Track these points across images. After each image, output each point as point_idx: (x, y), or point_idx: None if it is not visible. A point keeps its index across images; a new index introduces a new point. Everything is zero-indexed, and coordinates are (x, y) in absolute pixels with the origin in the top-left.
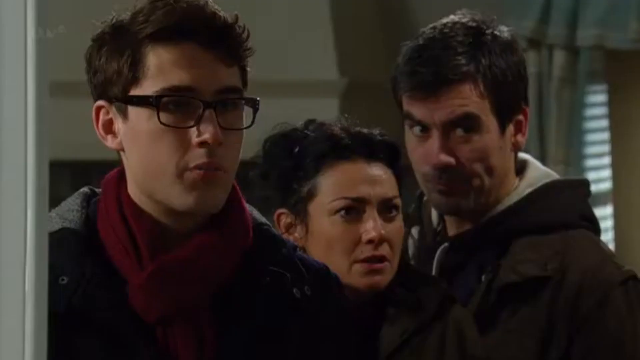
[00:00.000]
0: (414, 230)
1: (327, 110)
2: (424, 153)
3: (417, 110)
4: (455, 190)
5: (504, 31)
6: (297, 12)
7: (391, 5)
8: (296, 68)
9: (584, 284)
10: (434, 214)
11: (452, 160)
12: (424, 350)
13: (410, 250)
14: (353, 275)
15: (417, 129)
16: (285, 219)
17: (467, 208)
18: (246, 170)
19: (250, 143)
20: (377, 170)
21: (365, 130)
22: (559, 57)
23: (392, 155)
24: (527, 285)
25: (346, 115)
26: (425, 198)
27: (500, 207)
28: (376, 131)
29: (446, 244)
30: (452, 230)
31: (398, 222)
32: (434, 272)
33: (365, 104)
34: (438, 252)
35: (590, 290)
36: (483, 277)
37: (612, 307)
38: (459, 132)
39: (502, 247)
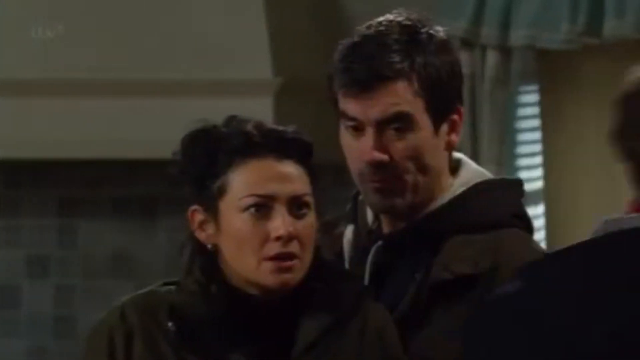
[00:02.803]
0: (349, 229)
1: (261, 110)
2: (358, 150)
3: (351, 107)
4: (389, 188)
5: (439, 31)
6: (232, 11)
7: (326, 4)
8: (230, 67)
9: None
10: (369, 213)
11: (385, 157)
12: (341, 345)
13: (346, 249)
14: (262, 273)
15: (351, 126)
16: (198, 216)
17: (401, 206)
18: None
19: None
20: (288, 168)
21: (278, 128)
22: (492, 57)
23: (304, 153)
24: (459, 283)
25: (281, 114)
26: (360, 197)
27: (434, 205)
28: (290, 129)
29: (380, 243)
30: (387, 229)
31: (309, 220)
32: (368, 271)
33: (300, 102)
34: (372, 251)
35: None
36: (416, 275)
37: None
38: (393, 129)
39: (436, 246)
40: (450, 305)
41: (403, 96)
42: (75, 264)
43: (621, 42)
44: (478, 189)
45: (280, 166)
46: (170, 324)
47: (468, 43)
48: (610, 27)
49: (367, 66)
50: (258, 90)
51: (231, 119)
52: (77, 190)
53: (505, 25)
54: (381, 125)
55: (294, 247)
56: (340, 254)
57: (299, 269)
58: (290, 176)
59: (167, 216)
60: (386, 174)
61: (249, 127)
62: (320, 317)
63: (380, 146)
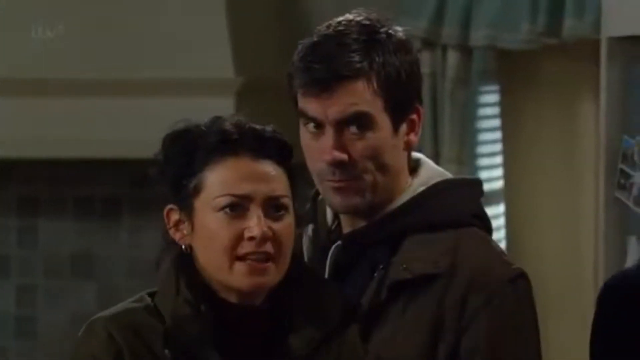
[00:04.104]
0: (309, 229)
1: (223, 109)
2: (318, 149)
3: (310, 106)
4: (348, 188)
5: (398, 30)
6: (193, 10)
7: (287, 4)
8: (192, 67)
9: (474, 281)
10: (329, 212)
11: (345, 156)
12: None
13: (305, 249)
14: (235, 275)
15: (311, 125)
16: (173, 216)
17: (361, 206)
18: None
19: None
20: (265, 168)
21: (257, 127)
22: (452, 57)
23: (282, 153)
24: (417, 283)
25: (243, 112)
26: (320, 197)
27: (393, 205)
28: (269, 128)
29: (339, 242)
30: (346, 228)
31: (286, 221)
32: (327, 270)
33: (261, 102)
34: (332, 250)
35: (479, 288)
36: (375, 275)
37: (501, 305)
38: (352, 129)
39: (395, 245)
40: (409, 304)
41: (362, 96)
42: (37, 264)
43: (580, 42)
44: (437, 189)
45: (258, 166)
46: (166, 351)
47: (429, 43)
48: (569, 27)
49: (326, 66)
50: (219, 90)
51: (215, 118)
52: (38, 189)
53: (465, 25)
54: (340, 125)
55: (268, 248)
56: (300, 253)
57: (274, 272)
58: (268, 176)
59: (130, 216)
60: (345, 174)
61: (227, 125)
62: (307, 332)
63: (340, 146)
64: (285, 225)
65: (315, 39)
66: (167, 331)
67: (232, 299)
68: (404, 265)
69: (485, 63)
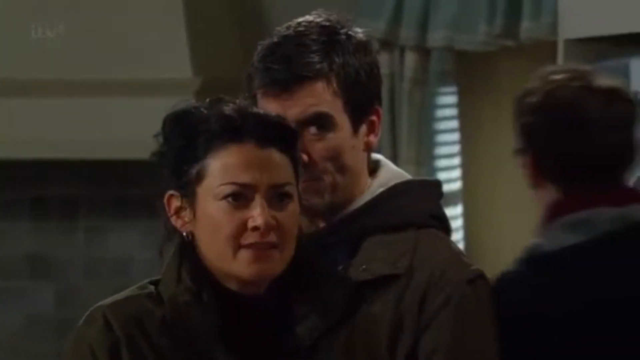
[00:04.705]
0: None
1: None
2: None
3: (270, 107)
4: (308, 189)
5: (358, 32)
6: (151, 10)
7: (245, 4)
8: (150, 67)
9: (432, 282)
10: None
11: (304, 157)
12: (333, 350)
13: None
14: (239, 263)
15: None
16: (174, 202)
17: (320, 207)
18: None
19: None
20: (269, 155)
21: (261, 112)
22: (411, 58)
23: (287, 140)
24: (377, 283)
25: None
26: None
27: (353, 206)
28: (274, 114)
29: None
30: (306, 229)
31: (290, 210)
32: None
33: None
34: None
35: (438, 289)
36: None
37: (459, 306)
38: (312, 130)
39: (354, 246)
40: (368, 304)
41: (322, 97)
42: None
43: (537, 44)
44: (396, 190)
45: (262, 153)
46: (163, 339)
47: (387, 44)
48: (527, 28)
49: (286, 66)
50: (178, 90)
51: (216, 100)
52: None
53: (423, 27)
54: (300, 126)
55: (272, 237)
56: (303, 242)
57: (279, 260)
58: (272, 164)
59: (87, 217)
60: (305, 175)
61: (230, 110)
62: (311, 323)
63: (300, 146)
64: (290, 214)
65: (275, 39)
66: (164, 319)
67: (235, 287)
68: (364, 267)
69: (443, 64)
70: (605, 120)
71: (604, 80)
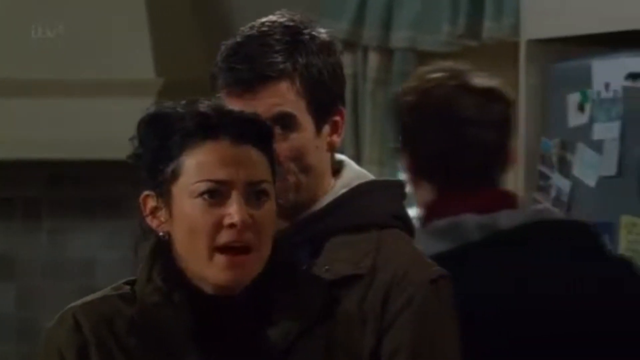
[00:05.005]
0: None
1: (144, 110)
2: None
3: (234, 107)
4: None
5: (321, 32)
6: (113, 10)
7: (208, 5)
8: (112, 67)
9: (395, 282)
10: None
11: None
12: (310, 352)
13: None
14: (214, 267)
15: None
16: (150, 202)
17: (283, 207)
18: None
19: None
20: (245, 152)
21: (236, 110)
22: (373, 59)
23: (263, 137)
24: (340, 284)
25: None
26: None
27: (316, 206)
28: (249, 111)
29: None
30: None
31: (267, 208)
32: None
33: None
34: None
35: (401, 289)
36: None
37: (422, 306)
38: (276, 130)
39: (317, 246)
40: (339, 304)
41: (285, 96)
42: None
43: (499, 44)
44: (359, 190)
45: (238, 150)
46: (132, 339)
47: (350, 44)
48: (489, 29)
49: (250, 66)
50: (140, 90)
51: (191, 101)
52: None
53: (386, 27)
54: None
55: (248, 236)
56: (280, 242)
57: (254, 264)
58: (248, 161)
59: (50, 218)
60: None
61: (205, 108)
62: (287, 324)
63: None
64: (266, 212)
65: (238, 39)
66: (133, 319)
67: (210, 289)
68: (327, 267)
69: (406, 65)
70: (480, 119)
71: (480, 80)
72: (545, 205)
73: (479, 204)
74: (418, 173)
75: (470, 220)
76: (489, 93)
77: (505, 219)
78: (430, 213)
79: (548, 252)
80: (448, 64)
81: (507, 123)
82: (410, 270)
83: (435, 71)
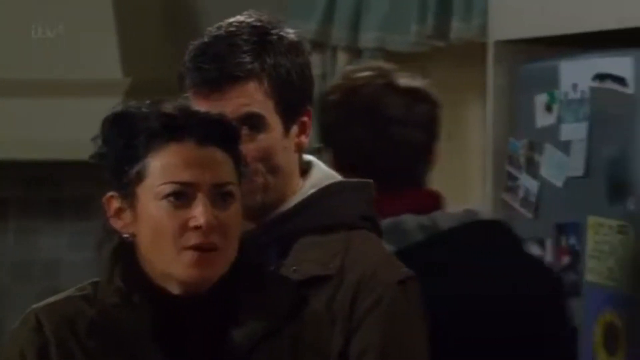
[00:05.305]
0: None
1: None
2: None
3: (202, 107)
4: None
5: (289, 32)
6: (80, 10)
7: (176, 5)
8: (79, 67)
9: (363, 282)
10: None
11: None
12: (274, 353)
13: None
14: (180, 265)
15: None
16: (114, 203)
17: (251, 207)
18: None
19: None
20: (211, 154)
21: (202, 111)
22: (342, 59)
23: (229, 138)
24: (308, 284)
25: None
26: None
27: (284, 207)
28: (215, 112)
29: None
30: None
31: (233, 210)
32: None
33: None
34: None
35: (369, 289)
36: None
37: (390, 306)
38: (244, 130)
39: (286, 247)
40: (307, 304)
41: (253, 97)
42: None
43: (468, 45)
44: (328, 191)
45: (203, 152)
46: (92, 340)
47: (318, 44)
48: (457, 30)
49: (217, 66)
50: (107, 90)
51: (156, 101)
52: None
53: (355, 27)
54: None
55: (214, 238)
56: (247, 244)
57: (221, 263)
58: (213, 163)
59: (17, 218)
60: None
61: (170, 109)
62: (253, 324)
63: None
64: (232, 213)
65: (206, 39)
66: (92, 321)
67: (175, 289)
68: (295, 268)
69: None
70: (406, 119)
71: (406, 80)
72: (472, 205)
73: (407, 204)
74: (344, 172)
75: (411, 220)
76: (415, 93)
77: (443, 220)
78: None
79: (487, 252)
80: (376, 63)
81: (434, 123)
82: (379, 271)
83: (362, 70)
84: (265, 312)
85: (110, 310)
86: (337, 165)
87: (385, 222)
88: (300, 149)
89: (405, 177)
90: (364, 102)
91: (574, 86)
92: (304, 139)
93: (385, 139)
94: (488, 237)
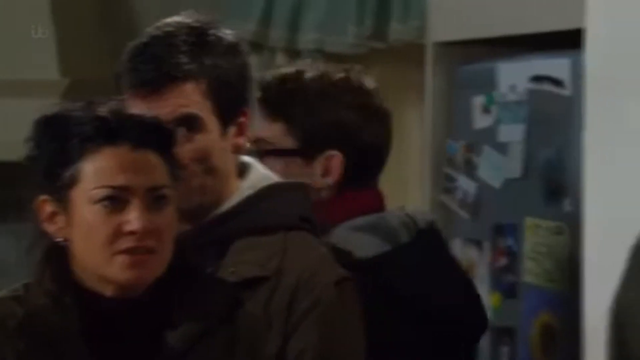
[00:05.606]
0: None
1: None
2: None
3: (139, 108)
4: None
5: (228, 33)
6: (16, 9)
7: (114, 5)
8: (16, 68)
9: (300, 284)
10: None
11: None
12: (211, 354)
13: None
14: (115, 268)
15: None
16: (47, 207)
17: (188, 209)
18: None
19: None
20: (145, 157)
21: (137, 114)
22: (281, 60)
23: (164, 142)
24: (245, 286)
25: None
26: None
27: (221, 208)
28: (150, 115)
29: None
30: None
31: (168, 213)
32: None
33: None
34: None
35: (307, 291)
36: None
37: (327, 308)
38: (181, 131)
39: (224, 249)
40: (243, 306)
41: (191, 98)
42: None
43: (406, 47)
44: (265, 192)
45: (137, 155)
46: (21, 341)
47: (257, 45)
48: (395, 31)
49: (155, 67)
50: (44, 91)
51: (89, 103)
52: None
53: (293, 28)
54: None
55: (149, 242)
56: (183, 246)
57: (156, 266)
58: (148, 166)
59: None
60: None
61: (105, 112)
62: (187, 327)
63: None
64: (167, 217)
65: (144, 40)
66: (20, 321)
67: (109, 292)
68: (232, 269)
69: None
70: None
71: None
72: (411, 207)
73: (368, 203)
74: (357, 174)
75: (395, 218)
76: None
77: (421, 218)
78: (328, 210)
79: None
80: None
81: (390, 124)
82: (317, 273)
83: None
84: (200, 314)
85: (39, 312)
86: (351, 166)
87: (370, 218)
88: (237, 150)
89: (372, 178)
90: (378, 102)
91: (512, 88)
92: (241, 140)
93: (390, 136)
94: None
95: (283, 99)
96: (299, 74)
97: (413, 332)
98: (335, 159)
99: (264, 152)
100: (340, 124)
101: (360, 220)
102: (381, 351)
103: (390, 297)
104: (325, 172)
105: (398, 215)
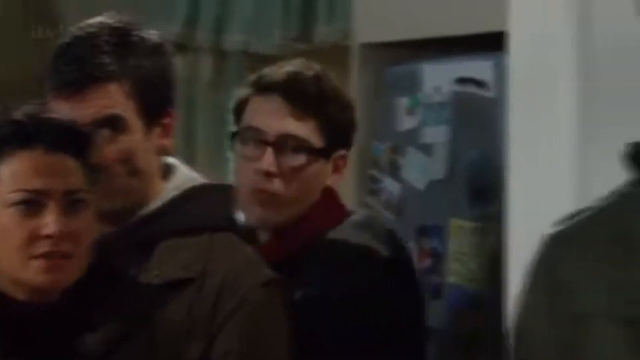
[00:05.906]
0: None
1: None
2: None
3: (62, 109)
4: (98, 192)
5: (152, 34)
6: None
7: (37, 5)
8: None
9: (226, 285)
10: None
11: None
12: (130, 357)
13: None
14: (30, 272)
15: None
16: None
17: (111, 210)
18: None
19: None
20: (61, 161)
21: (52, 117)
22: (206, 62)
23: (80, 145)
24: (170, 287)
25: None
26: None
27: (146, 210)
28: (65, 119)
29: None
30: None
31: (85, 217)
32: None
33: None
34: None
35: (232, 292)
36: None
37: (253, 309)
38: (105, 132)
39: (148, 250)
40: (163, 309)
41: (114, 98)
42: None
43: (332, 48)
44: (190, 194)
45: (52, 159)
46: None
47: (182, 47)
48: (321, 33)
49: (78, 67)
50: None
51: (5, 108)
52: None
53: (219, 30)
54: (93, 127)
55: (65, 246)
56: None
57: (72, 270)
58: (63, 170)
59: None
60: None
61: (19, 116)
62: (107, 329)
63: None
64: (84, 221)
65: (66, 40)
66: None
67: (22, 296)
68: (156, 272)
69: (239, 68)
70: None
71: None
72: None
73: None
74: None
75: (382, 217)
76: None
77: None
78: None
79: None
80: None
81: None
82: (242, 274)
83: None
84: (120, 316)
85: None
86: None
87: (360, 216)
88: (162, 152)
89: None
90: None
91: (436, 89)
92: (166, 142)
93: None
94: None
95: (318, 97)
96: (324, 72)
97: None
98: (344, 158)
99: (291, 149)
100: (352, 123)
101: (354, 218)
102: None
103: None
104: (335, 171)
105: (384, 215)
